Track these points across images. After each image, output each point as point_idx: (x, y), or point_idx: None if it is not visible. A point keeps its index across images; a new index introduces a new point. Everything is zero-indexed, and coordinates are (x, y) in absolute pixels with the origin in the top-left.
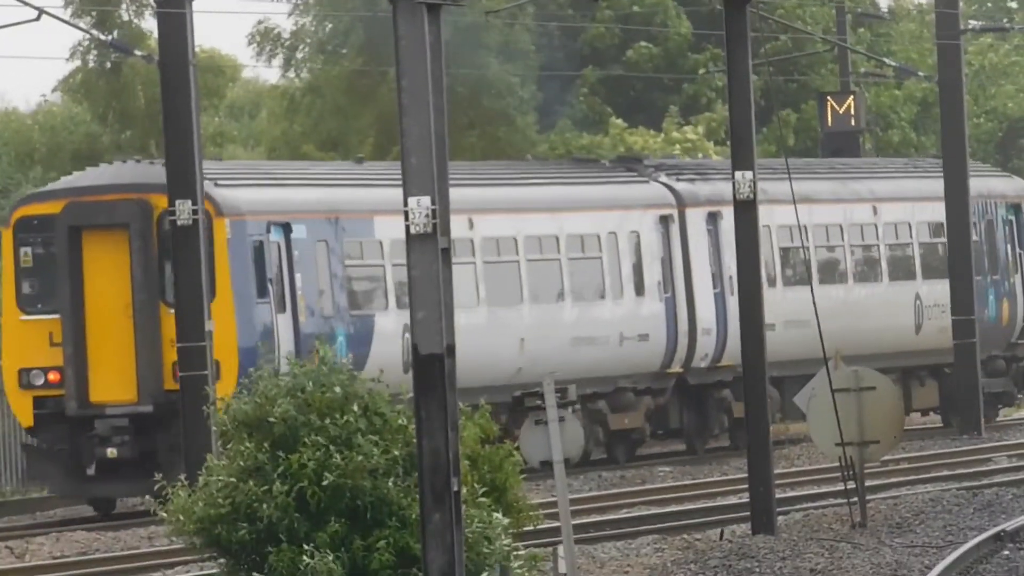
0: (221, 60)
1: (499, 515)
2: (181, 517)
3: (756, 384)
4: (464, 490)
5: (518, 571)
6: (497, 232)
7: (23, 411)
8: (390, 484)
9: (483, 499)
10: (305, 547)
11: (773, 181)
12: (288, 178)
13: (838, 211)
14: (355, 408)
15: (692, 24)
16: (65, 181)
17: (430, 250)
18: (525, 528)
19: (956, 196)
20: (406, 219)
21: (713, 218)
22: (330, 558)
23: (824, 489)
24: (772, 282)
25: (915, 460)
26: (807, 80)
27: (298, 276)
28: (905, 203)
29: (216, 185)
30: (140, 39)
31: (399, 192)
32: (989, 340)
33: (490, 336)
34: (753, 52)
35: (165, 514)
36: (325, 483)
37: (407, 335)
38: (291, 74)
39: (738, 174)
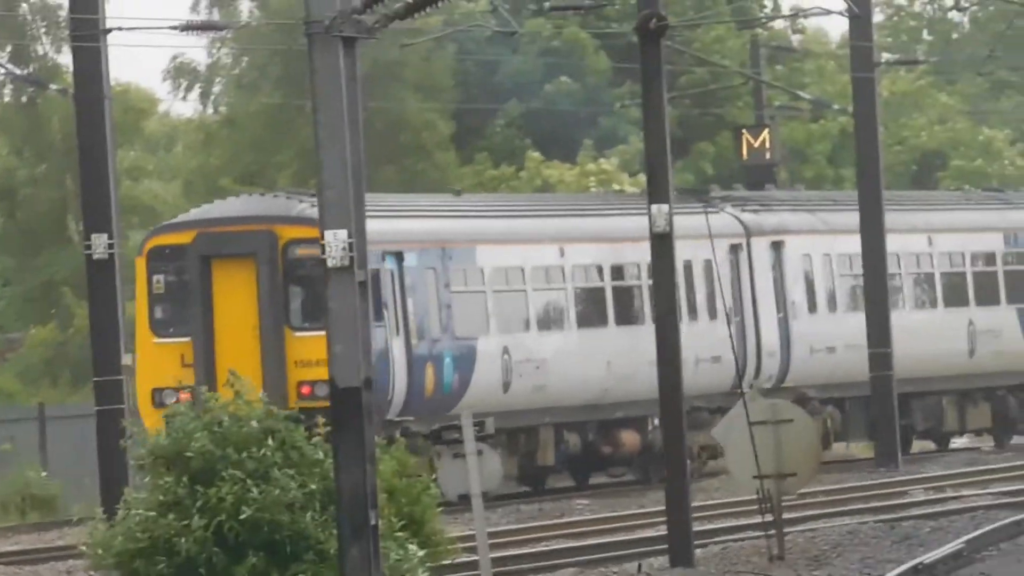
0: (137, 94)
1: (415, 548)
2: (100, 551)
3: (673, 417)
4: (381, 523)
5: None
6: (585, 260)
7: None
8: (308, 518)
9: (400, 532)
10: None
11: (834, 212)
12: (397, 209)
13: (894, 240)
14: (270, 442)
15: (612, 58)
16: (195, 213)
17: (347, 283)
18: (443, 561)
19: (872, 228)
20: (322, 252)
21: (776, 247)
22: None
23: (742, 522)
24: (833, 307)
25: (833, 493)
26: (723, 113)
27: (410, 301)
28: (959, 234)
29: None
30: (56, 73)
31: (497, 222)
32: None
33: (580, 357)
34: (669, 85)
35: (85, 547)
36: (243, 517)
37: (505, 356)
38: (208, 108)
39: (654, 207)
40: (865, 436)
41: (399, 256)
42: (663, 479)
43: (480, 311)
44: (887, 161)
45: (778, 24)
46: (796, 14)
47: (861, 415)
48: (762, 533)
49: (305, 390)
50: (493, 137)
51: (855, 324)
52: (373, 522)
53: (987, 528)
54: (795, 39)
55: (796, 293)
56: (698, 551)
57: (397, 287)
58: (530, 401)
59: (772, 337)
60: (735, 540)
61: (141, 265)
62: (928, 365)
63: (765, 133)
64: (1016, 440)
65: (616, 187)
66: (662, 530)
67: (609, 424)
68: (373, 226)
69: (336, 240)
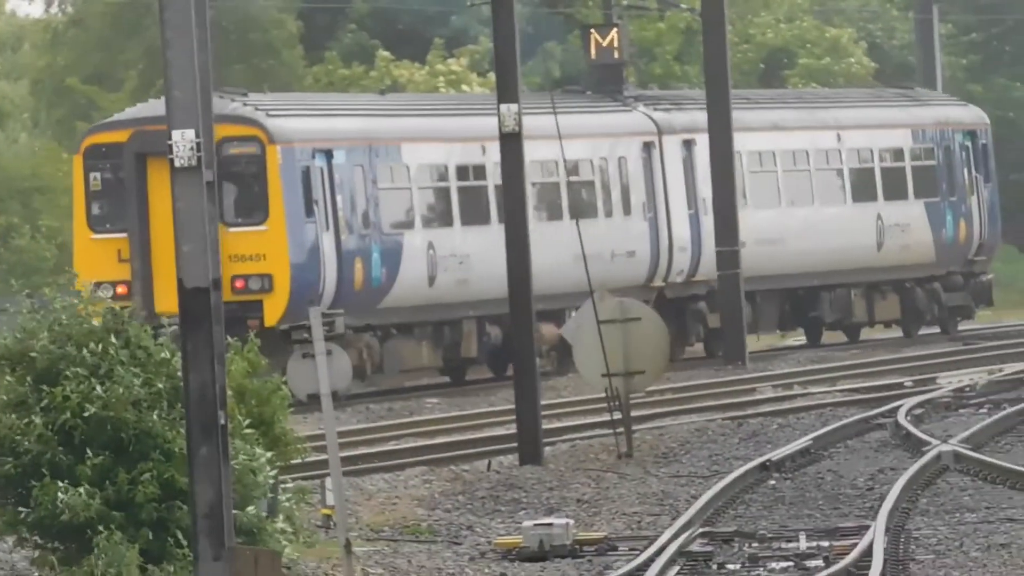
0: None
1: (261, 449)
2: None
3: (522, 314)
4: (230, 423)
5: (286, 504)
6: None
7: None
8: (154, 417)
9: (249, 432)
10: (60, 483)
11: (746, 111)
12: (326, 108)
13: (805, 138)
14: (114, 340)
15: None
16: (130, 111)
17: (195, 183)
18: (293, 461)
19: (720, 127)
20: (170, 152)
21: (688, 145)
22: (84, 492)
23: (591, 420)
24: (743, 205)
25: (680, 391)
26: (571, 13)
27: (339, 198)
28: (867, 131)
29: (268, 115)
30: None
31: (423, 121)
32: (948, 258)
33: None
34: None
35: None
36: (87, 415)
37: (431, 251)
38: (54, 7)
39: (503, 107)
40: (775, 328)
41: (328, 154)
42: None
43: (406, 207)
44: (734, 60)
45: None
46: None
47: (772, 308)
48: (610, 431)
49: (239, 284)
50: (342, 37)
51: (766, 219)
52: (222, 422)
53: (834, 425)
54: None
55: (707, 190)
56: (547, 449)
57: (327, 184)
58: (454, 295)
59: (683, 233)
60: (584, 438)
61: (78, 163)
62: (837, 259)
63: (613, 32)
64: (923, 331)
65: (465, 88)
66: (512, 428)
67: None
68: (303, 124)
69: (183, 140)
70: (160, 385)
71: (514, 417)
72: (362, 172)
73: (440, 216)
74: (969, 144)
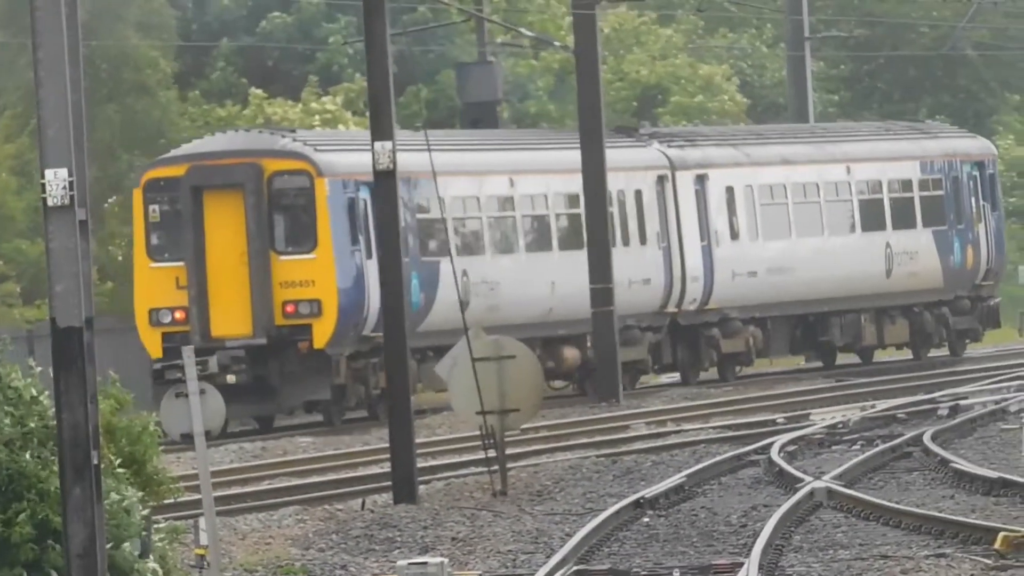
0: None
1: (133, 488)
2: None
3: (397, 355)
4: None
5: (159, 544)
6: (532, 190)
7: (153, 345)
8: (27, 457)
9: (120, 471)
10: None
11: (757, 146)
12: (366, 144)
13: (815, 171)
14: None
15: None
16: (187, 147)
17: (68, 222)
18: (166, 500)
19: (593, 166)
20: (43, 191)
21: (701, 180)
22: None
23: (466, 458)
24: (755, 235)
25: (555, 428)
26: (444, 50)
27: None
28: (876, 163)
29: (316, 150)
30: None
31: (458, 156)
32: (956, 282)
33: (528, 279)
34: (390, 21)
35: None
36: None
37: (465, 278)
38: None
39: (377, 144)
40: (787, 352)
41: (371, 186)
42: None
43: (442, 236)
44: (608, 98)
45: None
46: None
47: (783, 333)
48: (485, 469)
49: (289, 309)
50: (212, 76)
51: (777, 250)
52: (95, 462)
53: (707, 462)
54: None
55: (719, 222)
56: (422, 487)
57: (370, 214)
58: (485, 319)
59: (696, 262)
60: (459, 476)
61: (138, 196)
62: (846, 285)
63: (488, 70)
64: (933, 353)
65: (341, 127)
66: (386, 467)
67: (553, 340)
68: (348, 159)
69: (56, 179)
70: (32, 424)
71: (388, 455)
72: (402, 203)
73: (473, 245)
74: (976, 174)
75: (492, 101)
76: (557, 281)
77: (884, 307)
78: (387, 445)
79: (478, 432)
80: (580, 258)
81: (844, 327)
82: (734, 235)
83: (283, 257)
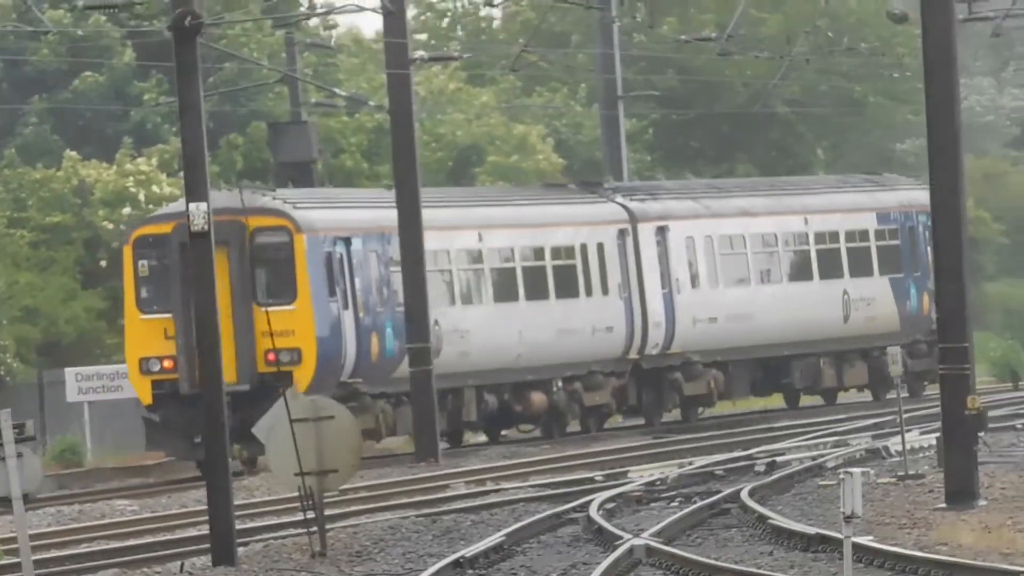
0: None
1: None
2: None
3: (214, 415)
4: None
5: None
6: (500, 244)
7: (143, 392)
8: None
9: None
10: None
11: (717, 199)
12: (344, 202)
13: (773, 222)
14: None
15: (138, 53)
16: (172, 207)
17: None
18: None
19: (410, 226)
20: None
21: (662, 231)
22: None
23: (284, 519)
24: (715, 283)
25: (374, 488)
26: (256, 107)
27: (357, 279)
28: (833, 214)
29: (295, 207)
30: None
31: (427, 212)
32: (912, 327)
33: (496, 327)
34: (202, 81)
35: None
36: None
37: (436, 326)
38: None
39: (192, 206)
40: (748, 394)
41: (347, 241)
42: (563, 435)
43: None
44: (424, 158)
45: (313, 22)
46: (330, 11)
47: (744, 375)
48: (304, 530)
49: (271, 357)
50: (26, 131)
51: (736, 297)
52: None
53: (527, 521)
54: (330, 35)
55: (680, 271)
56: (241, 549)
57: (346, 267)
58: (456, 365)
59: (658, 309)
60: (277, 538)
61: (128, 252)
62: (805, 330)
63: (302, 129)
64: (891, 395)
65: (155, 188)
66: (204, 529)
67: (521, 386)
68: (325, 215)
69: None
70: None
71: (207, 518)
72: (376, 257)
73: (444, 296)
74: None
75: (307, 161)
76: (523, 329)
77: (843, 351)
78: (205, 507)
79: (296, 493)
80: (546, 307)
81: (804, 370)
82: (695, 283)
83: (265, 308)
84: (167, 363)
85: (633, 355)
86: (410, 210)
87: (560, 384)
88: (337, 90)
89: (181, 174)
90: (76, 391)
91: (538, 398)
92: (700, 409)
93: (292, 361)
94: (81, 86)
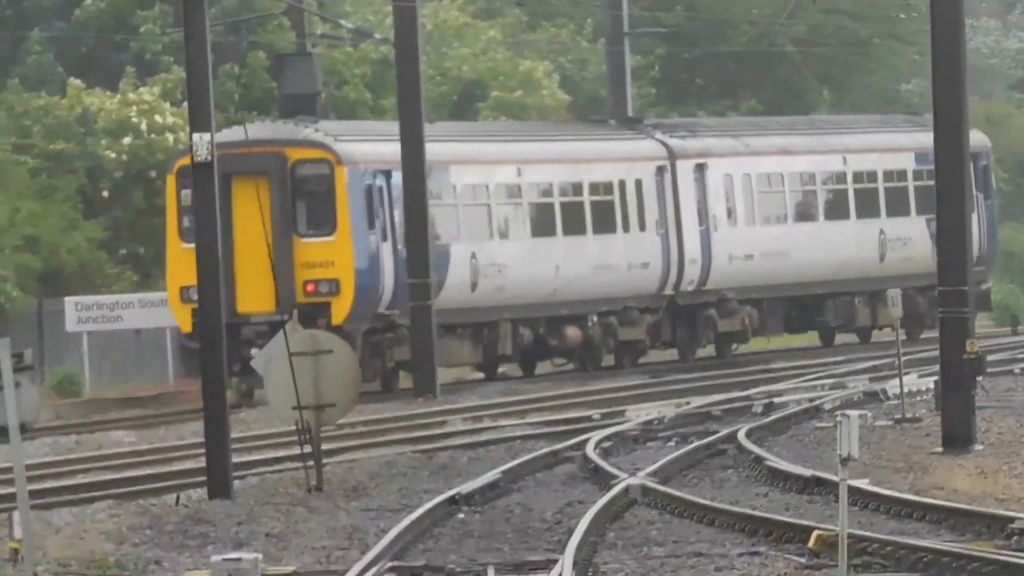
0: None
1: None
2: None
3: (212, 350)
4: None
5: None
6: (539, 178)
7: (183, 320)
8: None
9: None
10: None
11: (756, 137)
12: (384, 135)
13: (812, 161)
14: None
15: None
16: (217, 136)
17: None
18: None
19: (413, 160)
20: None
21: (700, 168)
22: None
23: (281, 453)
24: (752, 221)
25: (371, 423)
26: (260, 39)
27: (396, 212)
28: (872, 154)
29: (336, 140)
30: None
31: (468, 146)
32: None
33: (533, 262)
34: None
35: None
36: None
37: (474, 260)
38: None
39: (196, 136)
40: (782, 331)
41: (388, 174)
42: (597, 368)
43: (453, 221)
44: (428, 92)
45: None
46: None
47: (779, 313)
48: (300, 464)
49: (310, 288)
50: (28, 60)
51: (773, 235)
52: None
53: (523, 458)
54: None
55: (717, 208)
56: (237, 483)
57: (386, 200)
58: (493, 299)
59: (694, 246)
60: (274, 472)
61: (171, 182)
62: (841, 269)
63: (308, 61)
64: (926, 334)
65: (158, 118)
66: (201, 462)
67: (556, 320)
68: (366, 148)
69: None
70: None
71: (203, 450)
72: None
73: (482, 230)
74: (971, 165)
75: (312, 93)
76: (560, 264)
77: (878, 290)
78: (202, 440)
79: (294, 427)
80: (583, 243)
81: (839, 309)
82: (732, 220)
83: (304, 240)
84: None
85: (669, 291)
86: (413, 144)
87: (595, 319)
88: (343, 22)
89: (185, 105)
90: (75, 321)
91: (573, 333)
92: (734, 345)
93: (331, 292)
94: (82, 15)
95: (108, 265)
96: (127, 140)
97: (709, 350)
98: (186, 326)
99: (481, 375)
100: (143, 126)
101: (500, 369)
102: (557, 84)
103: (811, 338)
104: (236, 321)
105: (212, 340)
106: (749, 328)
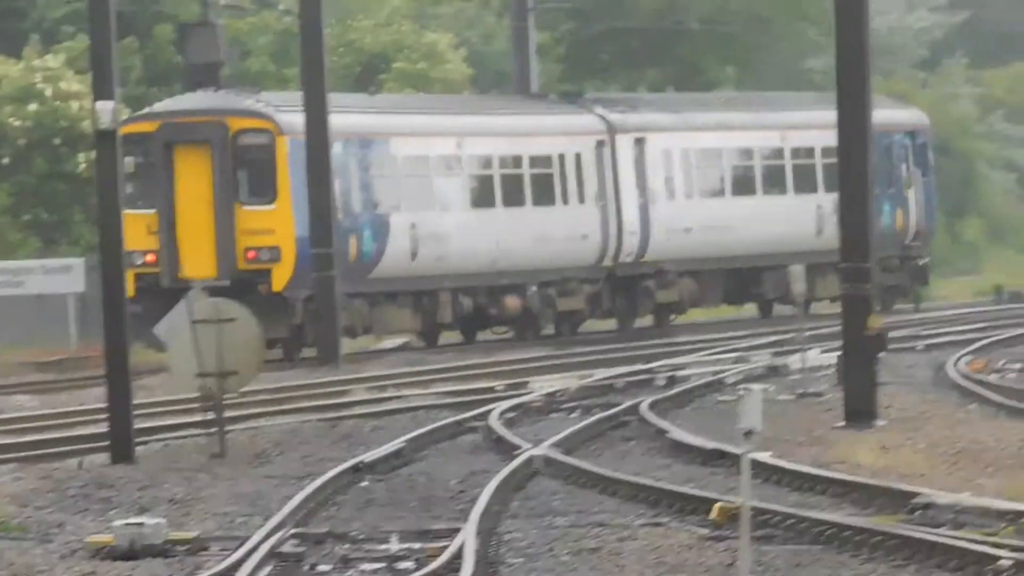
0: None
1: None
2: None
3: (114, 313)
4: None
5: None
6: (479, 151)
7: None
8: None
9: None
10: None
11: (695, 112)
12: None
13: (751, 137)
14: None
15: None
16: (159, 105)
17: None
18: None
19: (316, 129)
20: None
21: (639, 143)
22: None
23: (184, 420)
24: (691, 195)
25: (275, 391)
26: (162, 8)
27: (336, 183)
28: (809, 131)
29: (278, 110)
30: None
31: (407, 119)
32: (885, 243)
33: (473, 233)
34: None
35: None
36: None
37: (414, 230)
38: None
39: (99, 104)
40: (721, 303)
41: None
42: (537, 337)
43: (393, 192)
44: (332, 63)
45: None
46: None
47: (717, 285)
48: (204, 431)
49: (251, 255)
50: None
51: (711, 209)
52: None
53: (427, 428)
54: None
55: (656, 182)
56: (139, 448)
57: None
58: (433, 268)
59: (633, 219)
60: (177, 438)
61: None
62: (779, 242)
63: (211, 31)
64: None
65: (63, 85)
66: (104, 427)
67: (496, 290)
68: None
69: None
70: None
71: (106, 416)
72: (356, 161)
73: (422, 200)
74: (909, 143)
75: (215, 63)
76: (500, 235)
77: (816, 263)
78: (104, 405)
79: (197, 394)
80: (523, 214)
81: (776, 281)
82: (670, 194)
83: (246, 207)
84: (149, 257)
85: (607, 263)
86: (317, 115)
87: (535, 289)
88: None
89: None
90: None
91: (513, 302)
92: (671, 316)
93: (271, 259)
94: None
95: (10, 231)
96: (32, 107)
97: (648, 320)
98: (129, 291)
99: (423, 344)
100: (48, 92)
101: (404, 340)
102: (463, 58)
103: (751, 310)
104: (179, 287)
105: (115, 305)
106: (687, 299)
